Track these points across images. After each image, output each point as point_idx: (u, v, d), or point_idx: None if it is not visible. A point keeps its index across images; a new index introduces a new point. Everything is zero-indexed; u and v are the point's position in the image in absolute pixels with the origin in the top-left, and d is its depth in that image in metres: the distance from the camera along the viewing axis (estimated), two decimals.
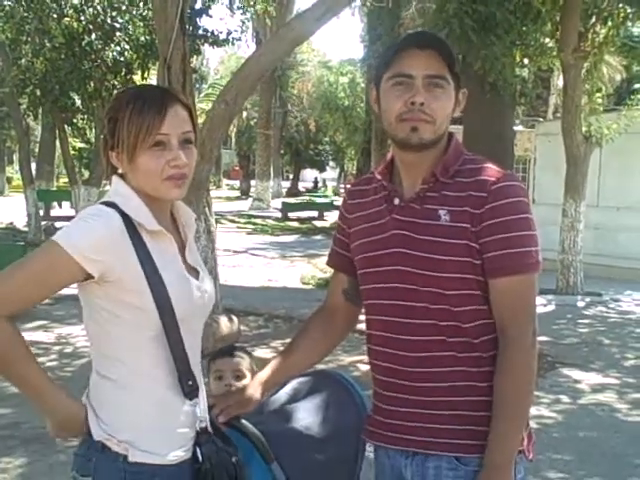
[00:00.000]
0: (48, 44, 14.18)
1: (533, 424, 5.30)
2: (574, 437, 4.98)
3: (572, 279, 10.18)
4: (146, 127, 1.63)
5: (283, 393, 2.12)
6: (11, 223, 19.81)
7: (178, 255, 1.74)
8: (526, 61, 13.72)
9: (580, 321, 8.81)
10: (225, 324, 7.18)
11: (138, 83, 16.54)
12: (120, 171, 1.71)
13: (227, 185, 46.08)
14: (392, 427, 1.80)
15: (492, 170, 1.77)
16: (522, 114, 23.62)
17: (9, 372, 1.65)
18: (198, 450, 1.69)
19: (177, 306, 1.65)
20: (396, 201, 1.80)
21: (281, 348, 7.34)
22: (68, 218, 19.15)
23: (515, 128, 16.25)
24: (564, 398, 5.81)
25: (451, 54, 1.77)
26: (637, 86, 18.19)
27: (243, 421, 1.88)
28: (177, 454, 1.68)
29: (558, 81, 21.21)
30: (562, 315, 9.05)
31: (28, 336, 6.90)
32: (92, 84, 14.65)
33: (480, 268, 1.72)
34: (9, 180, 38.53)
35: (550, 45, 11.94)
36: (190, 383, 1.69)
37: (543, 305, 9.65)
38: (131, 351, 1.67)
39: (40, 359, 6.65)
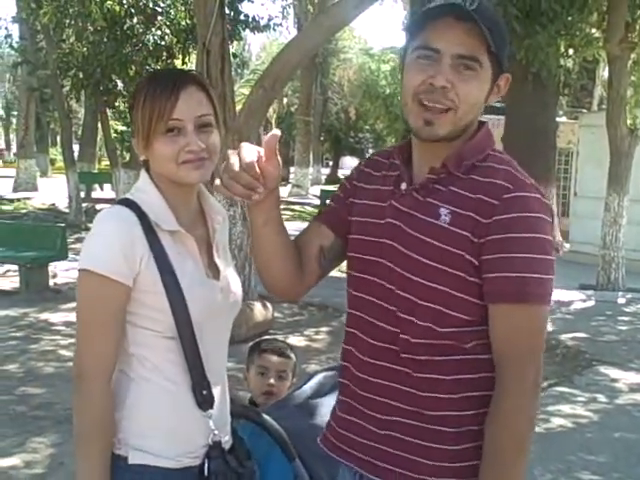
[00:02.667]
0: (90, 27, 14.31)
1: (567, 423, 5.22)
2: (609, 438, 4.87)
3: (613, 275, 9.98)
4: (157, 113, 1.58)
5: (307, 387, 2.08)
6: (53, 204, 20.07)
7: (198, 256, 1.66)
8: (571, 51, 13.47)
9: (620, 318, 8.63)
10: (259, 310, 7.18)
11: (179, 67, 16.65)
12: (142, 158, 1.66)
13: None
14: (346, 440, 1.61)
15: (512, 175, 1.49)
16: (566, 105, 23.23)
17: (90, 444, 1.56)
18: (206, 462, 1.61)
19: (193, 310, 1.58)
20: (403, 185, 1.57)
21: (314, 336, 7.41)
22: (109, 200, 19.38)
23: (558, 119, 16.02)
24: (600, 397, 5.69)
25: (496, 32, 1.48)
26: None
27: (264, 416, 1.83)
28: (181, 459, 1.60)
29: (603, 72, 20.78)
30: (601, 312, 8.87)
31: (64, 317, 7.01)
32: (133, 68, 14.75)
33: (475, 288, 1.47)
34: (52, 162, 39.06)
35: (596, 35, 11.70)
36: (204, 393, 1.61)
37: (582, 301, 9.49)
38: (149, 349, 1.61)
39: (75, 340, 6.72)
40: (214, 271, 1.69)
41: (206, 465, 1.60)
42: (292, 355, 2.37)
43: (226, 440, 1.67)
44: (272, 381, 2.26)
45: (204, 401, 1.61)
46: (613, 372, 6.35)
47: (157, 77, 1.67)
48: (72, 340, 6.70)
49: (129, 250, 1.54)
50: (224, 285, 1.68)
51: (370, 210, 1.61)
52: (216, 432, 1.62)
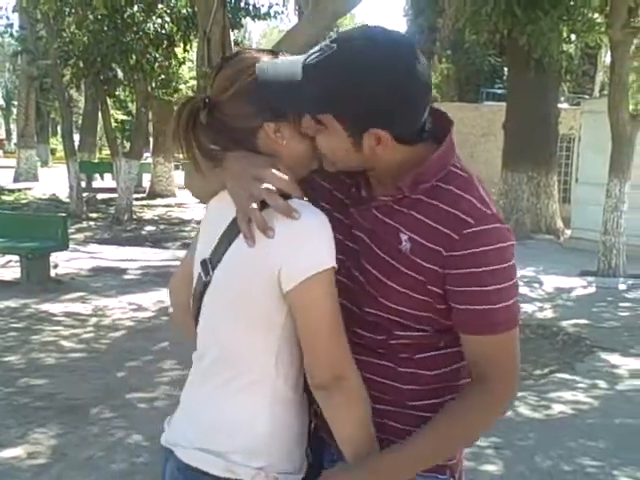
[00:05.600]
0: (90, 16, 14.27)
1: (568, 409, 5.23)
2: (610, 424, 4.88)
3: (614, 261, 9.96)
4: None
5: None
6: (54, 194, 20.08)
7: None
8: (573, 37, 13.47)
9: (621, 304, 8.63)
10: None
11: (179, 56, 16.61)
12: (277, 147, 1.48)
13: None
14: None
15: (473, 204, 1.42)
16: (568, 91, 23.15)
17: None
18: None
19: None
20: (363, 193, 1.53)
21: None
22: (110, 190, 19.41)
23: (560, 106, 15.97)
24: (601, 383, 5.70)
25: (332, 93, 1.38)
26: None
27: None
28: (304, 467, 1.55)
29: (605, 58, 20.71)
30: (602, 298, 8.87)
31: (65, 307, 7.04)
32: (134, 56, 14.72)
33: (443, 311, 1.47)
34: (53, 151, 39.04)
35: (598, 21, 11.66)
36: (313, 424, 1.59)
37: (583, 287, 9.49)
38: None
39: (77, 330, 6.75)
40: None
41: None
42: None
43: None
44: None
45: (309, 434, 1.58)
46: (614, 358, 6.35)
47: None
48: (73, 331, 6.73)
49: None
50: None
51: (339, 203, 1.57)
52: None
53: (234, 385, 1.47)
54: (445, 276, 1.43)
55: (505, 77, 20.26)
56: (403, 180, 1.45)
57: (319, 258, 1.37)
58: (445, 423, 1.47)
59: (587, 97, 19.66)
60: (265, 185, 1.40)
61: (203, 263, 1.50)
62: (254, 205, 1.39)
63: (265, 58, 1.47)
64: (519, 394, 5.33)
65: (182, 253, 11.61)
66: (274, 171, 1.42)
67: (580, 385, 5.62)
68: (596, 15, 11.81)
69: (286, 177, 1.42)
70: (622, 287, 9.55)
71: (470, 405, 1.47)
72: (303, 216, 1.37)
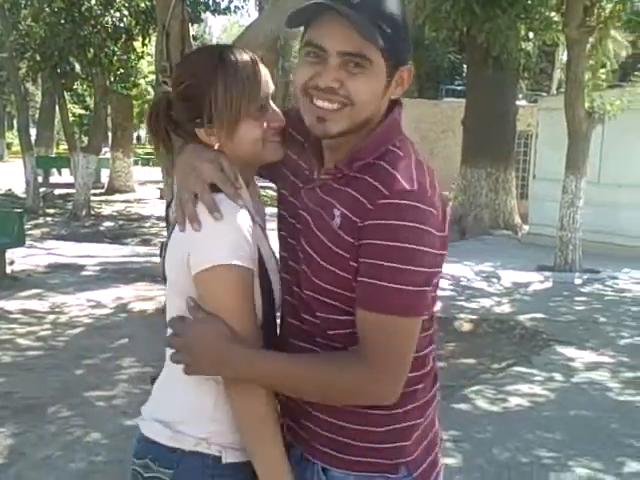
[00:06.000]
0: (47, 9, 14.06)
1: (525, 402, 5.32)
2: (566, 416, 4.97)
3: (570, 256, 10.14)
4: (247, 94, 1.48)
5: None
6: (9, 190, 19.74)
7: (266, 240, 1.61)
8: (531, 35, 13.60)
9: (577, 299, 8.78)
10: None
11: (138, 50, 16.44)
12: (217, 145, 1.53)
13: None
14: (294, 420, 1.59)
15: (393, 179, 1.39)
16: (526, 88, 23.45)
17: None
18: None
19: (276, 299, 1.56)
20: (315, 174, 1.54)
21: None
22: (67, 185, 19.15)
23: (518, 103, 16.17)
24: (557, 376, 5.80)
25: (387, 25, 1.39)
26: None
27: None
28: None
29: (562, 56, 21.02)
30: (559, 292, 9.02)
31: (21, 304, 6.92)
32: (92, 50, 14.54)
33: None
34: (9, 146, 38.37)
35: (555, 19, 11.81)
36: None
37: (540, 282, 9.64)
38: None
39: (33, 328, 6.65)
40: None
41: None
42: None
43: None
44: None
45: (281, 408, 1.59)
46: (570, 351, 6.46)
47: (230, 55, 1.51)
48: (30, 328, 6.62)
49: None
50: None
51: (292, 187, 1.59)
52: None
53: None
54: (359, 247, 1.39)
55: (464, 74, 20.45)
56: (340, 160, 1.47)
57: (210, 254, 1.42)
58: (313, 360, 1.47)
59: (544, 94, 19.95)
60: (201, 177, 1.47)
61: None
62: (187, 196, 1.46)
63: (212, 62, 1.50)
64: (476, 387, 5.41)
65: (141, 249, 11.52)
66: (210, 165, 1.48)
67: (537, 378, 5.71)
68: (553, 14, 11.95)
69: (220, 172, 1.48)
70: (578, 282, 9.72)
71: (343, 359, 1.44)
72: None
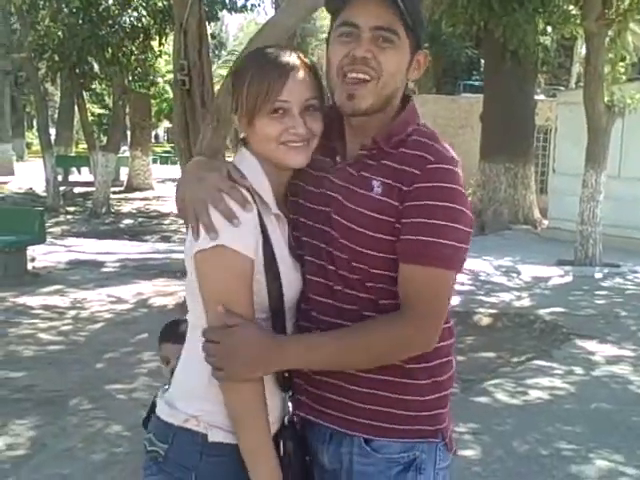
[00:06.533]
0: (65, 9, 14.15)
1: (545, 395, 5.29)
2: (586, 409, 4.94)
3: (591, 250, 10.08)
4: (265, 93, 1.54)
5: None
6: (30, 188, 19.91)
7: (287, 240, 1.64)
8: (549, 29, 13.53)
9: (597, 292, 8.73)
10: None
11: (156, 49, 16.52)
12: (243, 135, 1.63)
13: None
14: (319, 399, 1.65)
15: (435, 149, 1.57)
16: (544, 83, 23.31)
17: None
18: (282, 443, 1.60)
19: (287, 295, 1.59)
20: (338, 158, 1.66)
21: None
22: (87, 184, 19.28)
23: (536, 97, 16.06)
24: (578, 370, 5.77)
25: (412, 8, 1.56)
26: None
27: None
28: None
29: (581, 49, 20.85)
30: (579, 286, 8.97)
31: (43, 300, 6.98)
32: (110, 50, 14.62)
33: None
34: (29, 145, 38.64)
35: (573, 12, 11.73)
36: (285, 375, 1.62)
37: (560, 276, 9.59)
38: None
39: (55, 323, 6.71)
40: (296, 254, 1.66)
41: (282, 444, 1.60)
42: None
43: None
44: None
45: (284, 382, 1.63)
46: (590, 345, 6.43)
47: (265, 55, 1.59)
48: (51, 323, 6.69)
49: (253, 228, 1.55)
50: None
51: (310, 178, 1.67)
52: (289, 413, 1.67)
53: (189, 341, 1.64)
54: (404, 210, 1.53)
55: (482, 69, 20.35)
56: (379, 135, 1.60)
57: (206, 237, 1.48)
58: (354, 329, 1.55)
59: (563, 89, 19.81)
60: (211, 185, 1.54)
61: None
62: (200, 206, 1.52)
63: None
64: (496, 381, 5.40)
65: (161, 246, 11.59)
66: (216, 173, 1.56)
67: (557, 372, 5.69)
68: (571, 7, 11.89)
69: (227, 180, 1.54)
70: (598, 276, 9.66)
71: (383, 320, 1.55)
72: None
